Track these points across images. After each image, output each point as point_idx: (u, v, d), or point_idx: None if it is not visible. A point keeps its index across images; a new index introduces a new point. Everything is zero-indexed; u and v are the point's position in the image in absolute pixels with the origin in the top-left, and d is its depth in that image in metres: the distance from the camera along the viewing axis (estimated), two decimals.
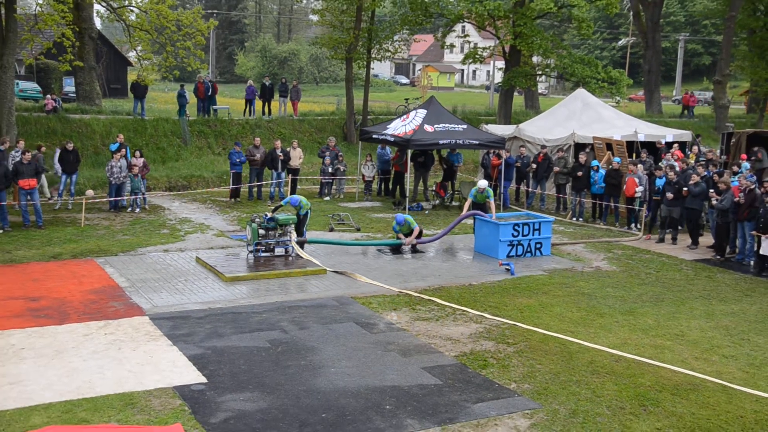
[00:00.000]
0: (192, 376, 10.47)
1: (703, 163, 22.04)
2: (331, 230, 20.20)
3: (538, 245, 18.32)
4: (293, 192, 24.11)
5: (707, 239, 19.69)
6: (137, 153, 23.15)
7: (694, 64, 79.75)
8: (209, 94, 33.63)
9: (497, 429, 9.16)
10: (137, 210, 22.04)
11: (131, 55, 45.74)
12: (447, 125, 23.80)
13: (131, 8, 27.67)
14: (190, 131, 30.52)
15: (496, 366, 11.17)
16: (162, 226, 20.34)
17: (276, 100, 36.71)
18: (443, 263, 17.58)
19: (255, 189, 24.82)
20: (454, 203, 24.86)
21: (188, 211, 22.68)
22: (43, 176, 21.61)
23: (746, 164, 23.12)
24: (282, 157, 24.29)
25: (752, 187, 18.10)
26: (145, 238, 18.72)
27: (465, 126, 24.47)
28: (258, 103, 36.06)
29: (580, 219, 23.01)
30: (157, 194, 25.00)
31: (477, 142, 24.03)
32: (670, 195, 19.47)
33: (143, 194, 22.54)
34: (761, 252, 17.11)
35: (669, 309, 14.33)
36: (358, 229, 20.41)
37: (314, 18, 46.08)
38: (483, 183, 19.49)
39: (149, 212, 22.07)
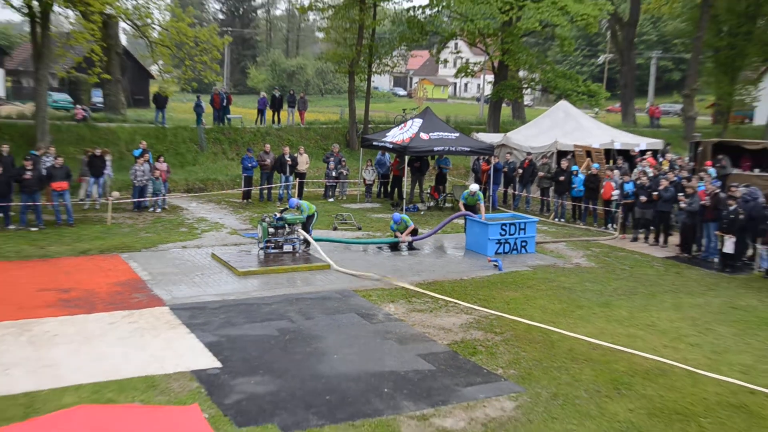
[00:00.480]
0: (208, 361, 10.51)
1: (678, 169, 22.11)
2: (335, 229, 20.23)
3: (524, 243, 18.35)
4: (300, 194, 24.18)
5: (676, 238, 19.73)
6: (161, 158, 23.16)
7: (665, 79, 79.65)
8: (224, 104, 33.67)
9: (485, 410, 9.20)
10: (158, 210, 22.06)
11: (153, 69, 45.77)
12: (441, 133, 23.85)
13: (154, 26, 27.66)
14: (207, 138, 30.57)
15: (484, 353, 11.21)
16: (181, 224, 20.37)
17: (285, 110, 36.70)
18: (437, 260, 17.60)
19: (265, 191, 24.86)
20: (447, 205, 24.89)
21: (204, 211, 22.71)
22: (102, 178, 21.95)
23: (712, 170, 23.17)
24: (290, 162, 24.31)
25: (717, 191, 18.18)
26: (165, 236, 18.75)
27: (457, 134, 24.52)
28: (268, 113, 36.09)
29: (562, 219, 23.04)
30: (176, 196, 25.03)
31: (468, 149, 24.09)
32: (643, 198, 19.52)
33: (164, 196, 22.57)
34: (724, 250, 17.18)
35: (641, 302, 14.38)
36: (360, 228, 20.44)
37: (320, 35, 46.06)
38: (474, 186, 19.54)
39: (169, 212, 22.10)
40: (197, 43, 27.82)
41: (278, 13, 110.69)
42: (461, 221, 20.13)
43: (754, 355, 11.58)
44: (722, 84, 40.24)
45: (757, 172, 26.30)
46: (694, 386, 10.18)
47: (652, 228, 20.08)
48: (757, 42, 39.45)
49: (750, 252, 17.71)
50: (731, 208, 17.04)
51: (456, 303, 13.71)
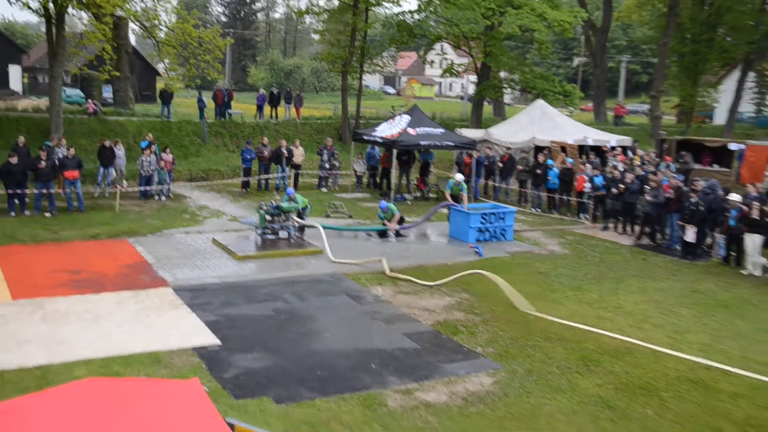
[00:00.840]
0: (208, 338, 10.47)
1: (646, 164, 22.18)
2: (327, 217, 20.16)
3: (503, 232, 18.36)
4: (296, 184, 24.10)
5: (641, 228, 19.77)
6: (167, 150, 22.99)
7: (634, 81, 79.76)
8: (226, 100, 33.45)
9: (465, 385, 9.22)
10: (163, 198, 21.93)
11: (160, 67, 45.45)
12: (427, 129, 23.79)
13: (161, 27, 27.44)
14: (209, 132, 30.34)
15: (465, 333, 11.22)
16: (184, 212, 20.27)
17: (282, 106, 36.52)
18: (422, 246, 17.58)
19: (263, 181, 24.75)
20: (431, 195, 24.85)
21: (206, 199, 22.58)
22: (111, 168, 21.73)
23: (672, 165, 23.25)
24: (286, 155, 24.21)
25: (680, 185, 18.24)
26: (169, 222, 18.64)
27: (442, 130, 24.46)
28: (267, 109, 35.87)
29: (538, 210, 23.05)
30: (180, 185, 24.86)
31: (452, 144, 24.06)
32: (615, 190, 19.56)
33: (168, 185, 22.43)
34: (686, 239, 17.25)
35: (610, 286, 14.42)
36: (351, 217, 20.39)
37: (316, 37, 45.80)
38: (459, 176, 19.58)
39: (173, 200, 21.97)
40: (201, 44, 27.61)
41: (277, 16, 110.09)
42: (446, 210, 20.10)
43: (710, 335, 11.66)
44: (686, 86, 40.41)
45: (715, 167, 26.50)
46: (656, 363, 10.23)
47: (621, 218, 20.13)
48: (717, 48, 39.63)
49: (709, 240, 17.79)
50: (693, 200, 17.11)
51: (439, 286, 13.70)
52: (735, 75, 44.01)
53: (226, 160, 28.61)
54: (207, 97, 32.83)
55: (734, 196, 16.68)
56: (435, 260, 15.89)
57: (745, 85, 42.72)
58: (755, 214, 15.77)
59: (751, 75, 43.79)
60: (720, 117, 48.29)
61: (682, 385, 9.53)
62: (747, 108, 47.31)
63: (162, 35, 27.38)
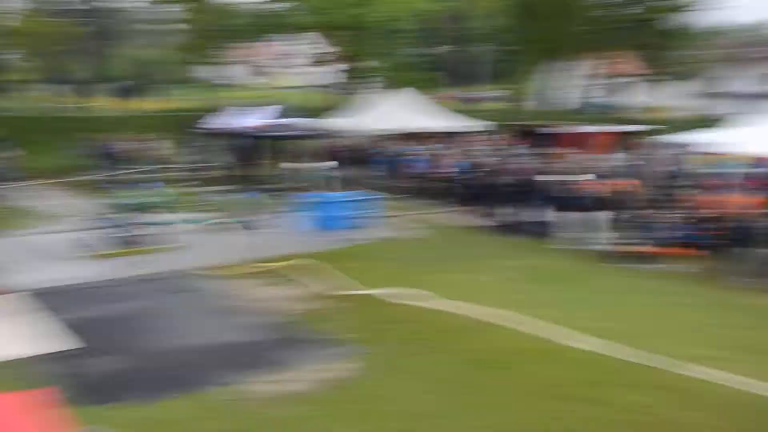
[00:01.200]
0: (64, 343, 10.04)
1: (506, 149, 23.14)
2: (193, 212, 19.58)
3: (368, 218, 18.52)
4: (160, 180, 23.29)
5: (502, 210, 20.48)
6: (14, 146, 21.64)
7: (497, 69, 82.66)
8: (83, 94, 31.89)
9: (324, 373, 9.31)
10: (9, 197, 20.61)
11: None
12: (294, 119, 23.77)
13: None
14: (65, 126, 28.68)
15: (324, 321, 11.29)
16: (33, 212, 19.16)
17: (138, 98, 35.24)
18: (286, 236, 17.31)
19: (120, 178, 23.64)
20: (298, 185, 24.61)
21: (59, 197, 21.42)
22: None
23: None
24: (147, 149, 23.43)
25: (526, 167, 19.16)
26: (17, 223, 17.59)
27: (310, 119, 24.50)
28: (125, 102, 34.53)
29: (405, 196, 23.44)
30: (31, 183, 23.39)
31: (319, 133, 24.18)
32: (477, 174, 20.27)
33: (21, 182, 21.10)
34: (536, 220, 18.07)
35: (470, 266, 14.87)
36: (217, 211, 19.91)
37: (178, 26, 44.30)
38: (326, 165, 19.66)
39: (24, 199, 20.71)
40: (52, 35, 26.22)
41: (138, 5, 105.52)
42: (311, 199, 20.05)
43: (558, 307, 12.20)
44: (540, 74, 42.49)
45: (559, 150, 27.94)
46: (506, 338, 10.69)
47: (482, 201, 20.82)
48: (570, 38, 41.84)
49: (552, 219, 18.55)
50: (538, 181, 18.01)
51: (299, 277, 13.69)
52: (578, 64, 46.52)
53: (81, 157, 27.14)
54: (63, 92, 31.18)
55: (547, 177, 17.73)
56: (304, 249, 15.84)
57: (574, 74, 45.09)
58: (570, 194, 16.88)
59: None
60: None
61: (528, 355, 10.03)
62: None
63: (7, 24, 25.73)
